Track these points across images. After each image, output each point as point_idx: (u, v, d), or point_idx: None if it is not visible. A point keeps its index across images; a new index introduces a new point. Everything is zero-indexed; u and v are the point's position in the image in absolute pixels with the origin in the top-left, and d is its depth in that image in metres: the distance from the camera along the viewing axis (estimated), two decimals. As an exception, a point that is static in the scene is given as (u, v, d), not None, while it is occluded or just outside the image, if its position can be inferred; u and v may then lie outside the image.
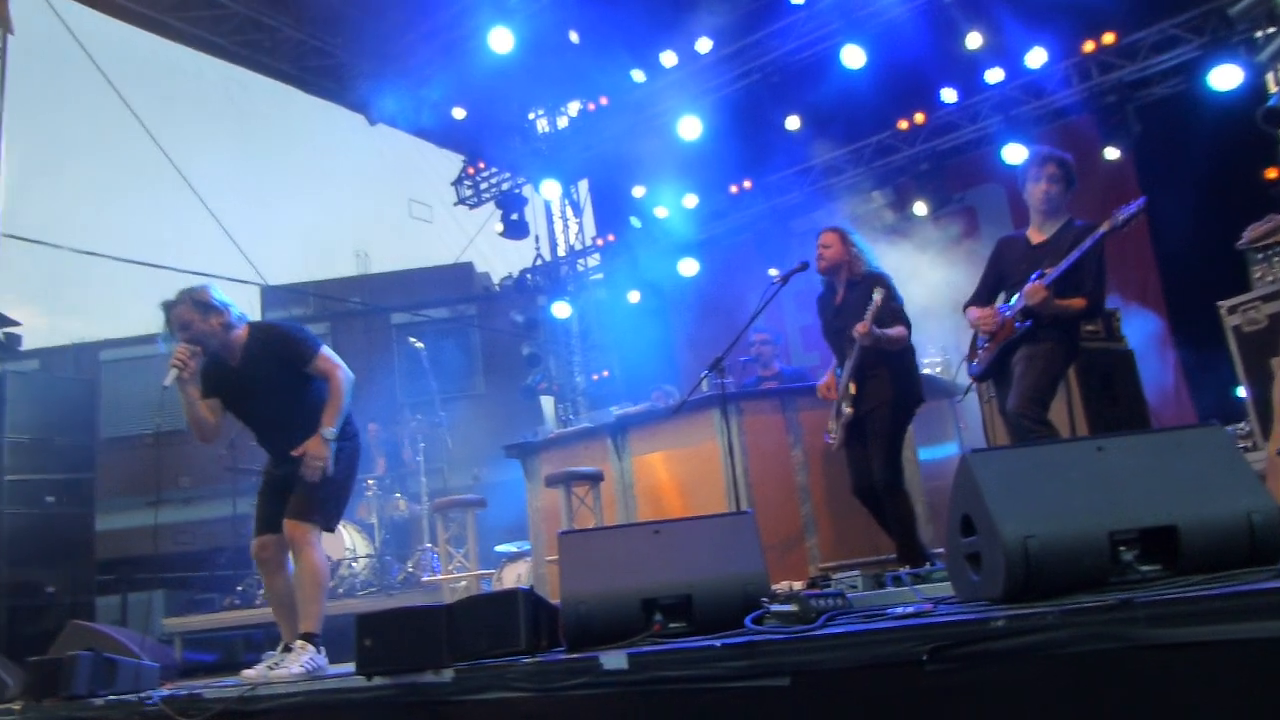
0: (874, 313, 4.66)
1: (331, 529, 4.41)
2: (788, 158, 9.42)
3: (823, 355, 9.57)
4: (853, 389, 4.84)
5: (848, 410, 4.88)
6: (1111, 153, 7.90)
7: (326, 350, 4.37)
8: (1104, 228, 4.08)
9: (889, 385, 4.79)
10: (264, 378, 4.32)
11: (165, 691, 4.19)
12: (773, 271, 6.16)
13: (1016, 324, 4.31)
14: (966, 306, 4.69)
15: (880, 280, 4.86)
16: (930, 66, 8.33)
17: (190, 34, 8.33)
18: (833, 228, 5.21)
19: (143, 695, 4.13)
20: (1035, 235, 4.53)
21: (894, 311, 4.82)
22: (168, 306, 4.39)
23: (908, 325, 4.87)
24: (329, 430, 4.18)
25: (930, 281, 7.45)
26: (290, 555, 4.22)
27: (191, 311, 4.29)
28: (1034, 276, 4.23)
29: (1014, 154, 8.12)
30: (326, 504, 4.23)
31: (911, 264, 7.72)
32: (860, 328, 4.67)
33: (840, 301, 5.05)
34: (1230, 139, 7.28)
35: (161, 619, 8.42)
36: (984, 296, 4.64)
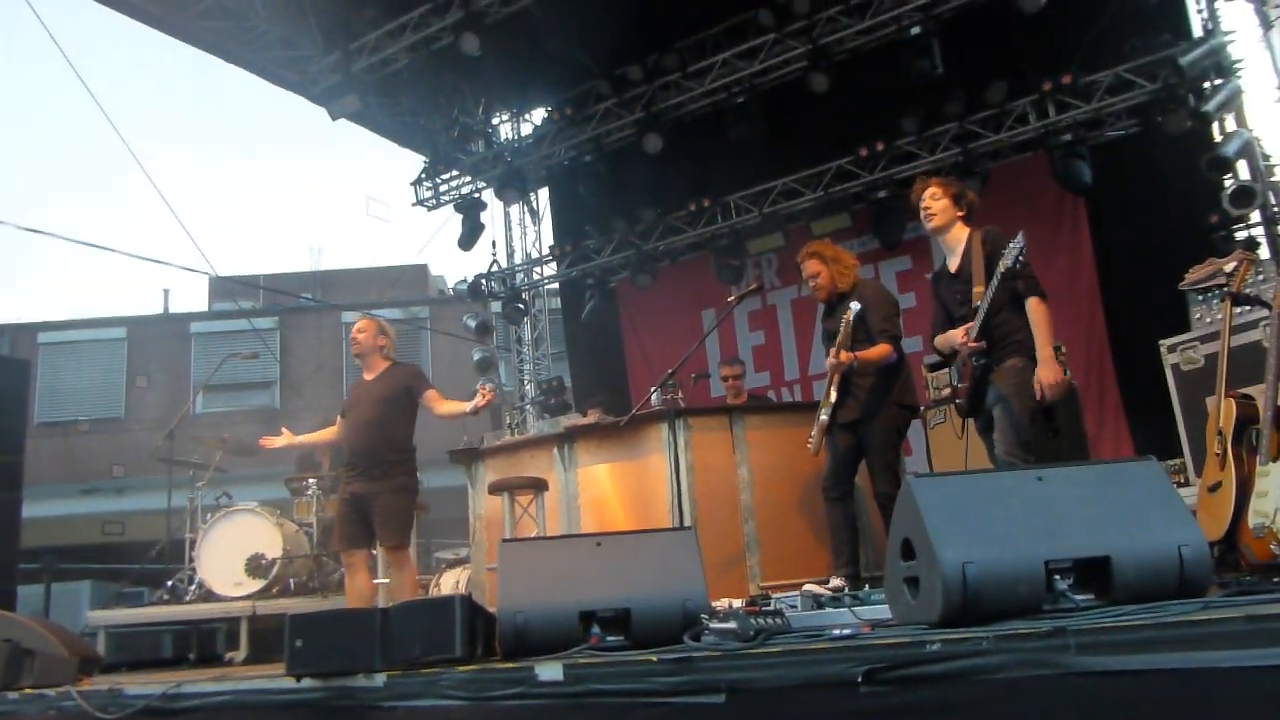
0: (843, 340, 4.89)
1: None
2: (747, 178, 9.47)
3: (774, 375, 9.69)
4: (832, 396, 5.07)
5: (824, 418, 5.12)
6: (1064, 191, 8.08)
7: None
8: (999, 271, 4.16)
9: (878, 395, 4.96)
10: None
11: (85, 687, 4.07)
12: (730, 299, 6.25)
13: (974, 362, 4.36)
14: (934, 340, 4.72)
15: (858, 297, 5.09)
16: (892, 96, 8.44)
17: (154, 15, 8.18)
18: (812, 253, 5.36)
19: (61, 690, 4.01)
20: (951, 261, 4.61)
21: (879, 328, 5.04)
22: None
23: (896, 337, 5.08)
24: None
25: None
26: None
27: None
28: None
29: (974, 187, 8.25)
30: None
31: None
32: (830, 361, 4.95)
33: (831, 318, 5.29)
34: (1179, 183, 7.48)
35: (87, 611, 8.19)
36: (942, 328, 4.68)
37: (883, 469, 5.01)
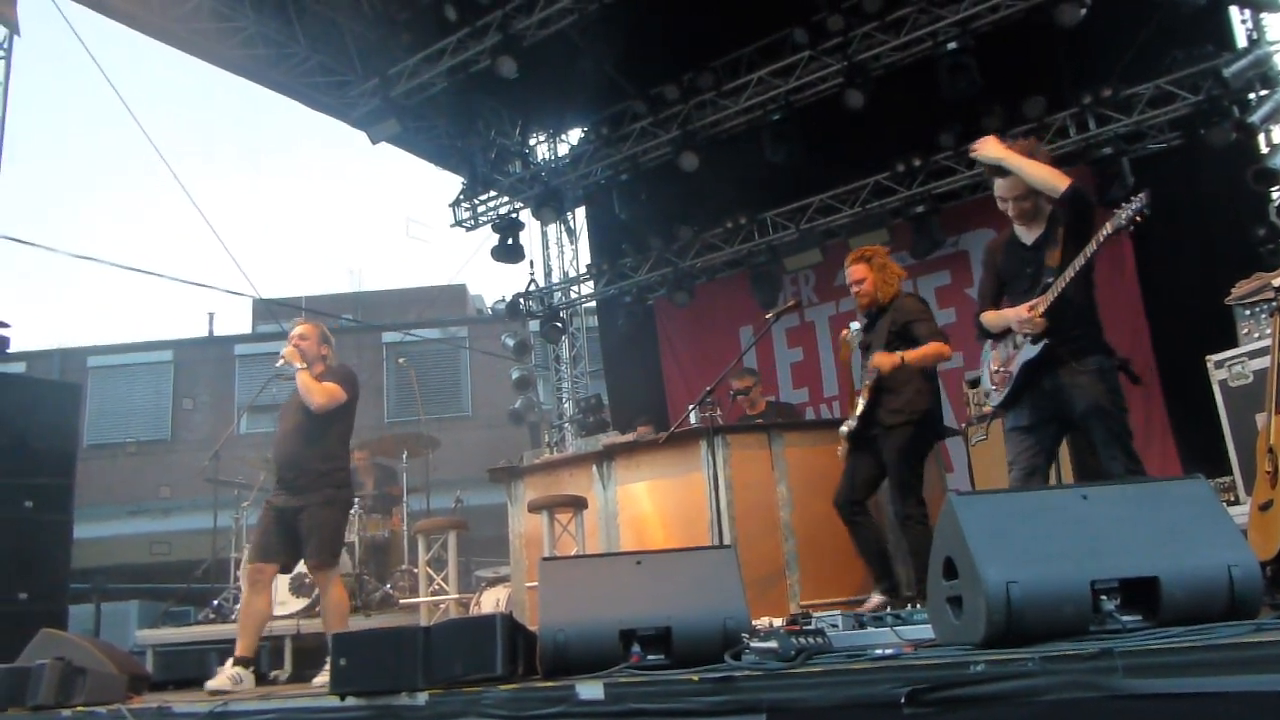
0: (845, 357, 5.09)
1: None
2: (783, 195, 9.47)
3: (812, 392, 9.65)
4: (857, 408, 5.05)
5: (844, 430, 5.15)
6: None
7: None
8: (1105, 231, 3.63)
9: (899, 411, 4.94)
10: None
11: (135, 705, 4.13)
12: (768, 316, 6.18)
13: (1029, 344, 3.93)
14: (979, 315, 4.24)
15: (895, 310, 5.04)
16: (929, 111, 8.41)
17: (198, 44, 8.37)
18: (861, 257, 5.22)
19: (111, 708, 4.07)
20: (1025, 234, 4.07)
21: (929, 334, 4.95)
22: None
23: (947, 338, 5.01)
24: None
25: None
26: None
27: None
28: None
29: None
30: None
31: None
32: (879, 359, 4.80)
33: (870, 332, 5.20)
34: (1224, 196, 7.36)
35: (135, 630, 8.32)
36: (991, 304, 4.22)
37: (898, 487, 4.93)
